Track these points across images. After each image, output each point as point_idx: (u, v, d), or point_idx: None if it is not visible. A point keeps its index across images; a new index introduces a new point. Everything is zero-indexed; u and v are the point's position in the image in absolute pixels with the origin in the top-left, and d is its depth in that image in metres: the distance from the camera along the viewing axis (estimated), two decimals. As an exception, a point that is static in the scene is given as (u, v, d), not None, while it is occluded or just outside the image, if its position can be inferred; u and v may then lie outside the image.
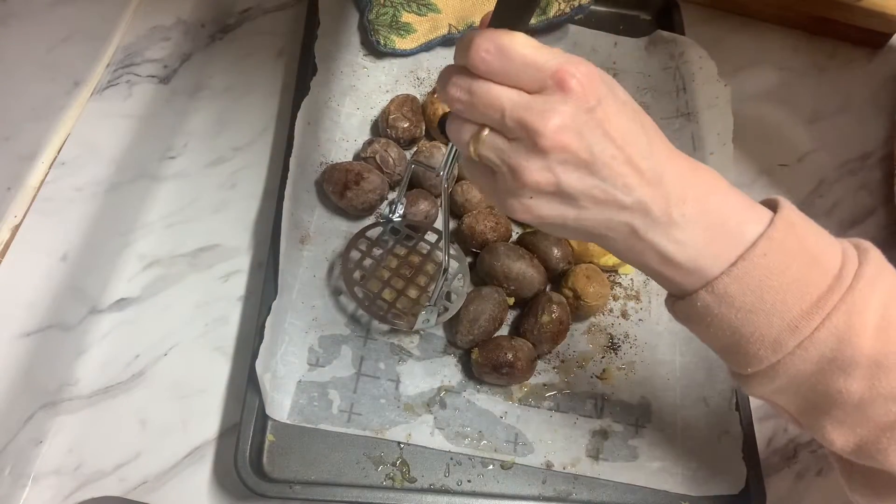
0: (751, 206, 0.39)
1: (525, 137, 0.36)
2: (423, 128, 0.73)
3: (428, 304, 0.59)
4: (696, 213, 0.38)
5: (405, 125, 0.70)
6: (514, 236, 0.69)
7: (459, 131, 0.39)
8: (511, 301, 0.64)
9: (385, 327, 0.63)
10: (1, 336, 0.56)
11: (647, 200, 0.37)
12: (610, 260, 0.67)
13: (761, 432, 0.63)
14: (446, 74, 0.38)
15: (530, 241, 0.66)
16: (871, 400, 0.39)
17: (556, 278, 0.66)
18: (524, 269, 0.63)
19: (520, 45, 0.36)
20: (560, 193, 0.37)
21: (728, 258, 0.38)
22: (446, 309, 0.61)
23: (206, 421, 0.59)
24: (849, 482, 0.46)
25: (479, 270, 0.65)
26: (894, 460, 0.40)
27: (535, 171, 0.36)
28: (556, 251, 0.65)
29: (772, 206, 0.40)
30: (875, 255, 0.39)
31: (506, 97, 0.36)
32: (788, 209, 0.39)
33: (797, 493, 0.62)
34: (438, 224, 0.68)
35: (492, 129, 0.37)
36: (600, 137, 0.36)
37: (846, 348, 0.37)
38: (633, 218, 0.38)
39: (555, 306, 0.62)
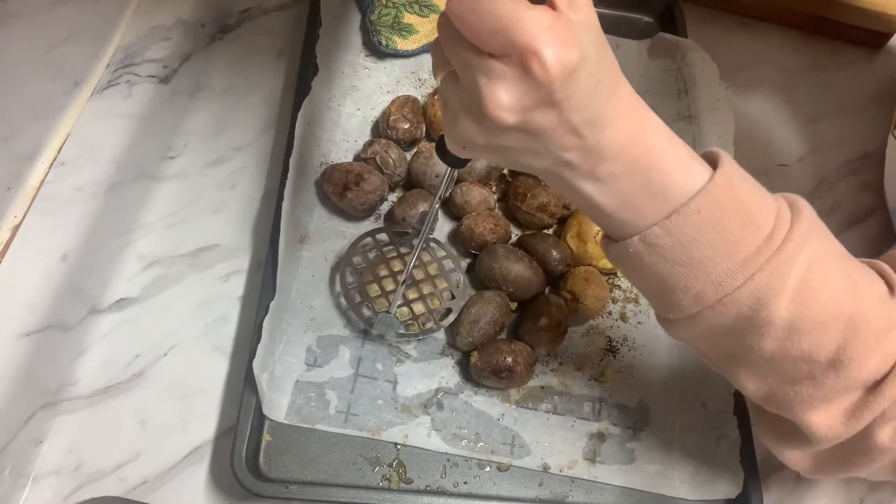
0: (691, 160, 0.38)
1: (468, 92, 0.34)
2: (424, 129, 0.72)
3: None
4: (623, 170, 0.37)
5: (406, 126, 0.70)
6: (514, 237, 0.68)
7: (435, 57, 0.38)
8: (514, 306, 0.64)
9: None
10: (1, 336, 0.55)
11: (578, 160, 0.36)
12: (609, 262, 0.66)
13: None
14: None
15: (529, 242, 0.66)
16: (782, 359, 0.40)
17: (555, 280, 0.66)
18: (522, 272, 0.63)
19: (501, 5, 0.31)
20: (490, 147, 0.37)
21: (662, 211, 0.37)
22: (446, 315, 0.60)
23: (206, 421, 0.59)
24: (758, 425, 0.48)
25: (477, 272, 0.65)
26: (798, 412, 0.42)
27: (469, 126, 0.35)
28: (554, 253, 0.64)
29: (712, 160, 0.39)
30: (807, 216, 0.39)
31: (462, 55, 0.33)
32: (729, 165, 0.39)
33: (797, 493, 0.62)
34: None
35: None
36: (549, 115, 0.34)
37: (763, 309, 0.38)
38: (561, 169, 0.37)
39: (553, 309, 0.62)
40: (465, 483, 0.58)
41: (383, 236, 0.65)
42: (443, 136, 0.43)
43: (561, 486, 0.58)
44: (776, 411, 0.44)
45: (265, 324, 0.57)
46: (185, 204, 0.68)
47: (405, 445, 0.58)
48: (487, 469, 0.58)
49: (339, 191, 0.65)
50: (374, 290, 0.62)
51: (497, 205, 0.70)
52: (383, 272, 0.63)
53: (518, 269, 0.63)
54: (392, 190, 0.70)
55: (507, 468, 0.58)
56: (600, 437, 0.60)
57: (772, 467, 0.62)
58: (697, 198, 0.37)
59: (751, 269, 0.37)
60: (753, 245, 0.37)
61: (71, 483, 0.55)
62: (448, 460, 0.58)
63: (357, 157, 0.70)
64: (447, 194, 0.50)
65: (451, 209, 0.69)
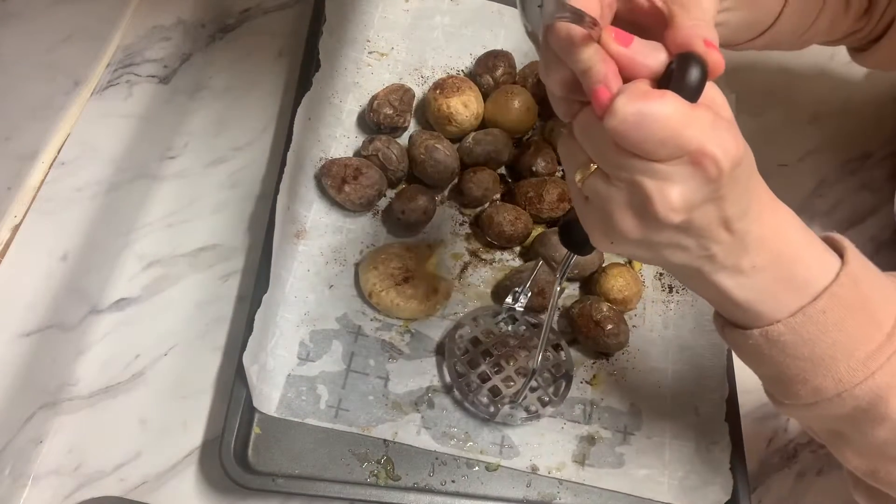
0: (821, 255, 0.37)
1: (630, 192, 0.32)
2: (408, 118, 0.70)
3: (512, 401, 0.56)
4: (767, 262, 0.36)
5: (388, 111, 0.67)
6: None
7: (569, 155, 0.35)
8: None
9: (377, 324, 0.61)
10: (1, 336, 0.55)
11: (722, 253, 0.35)
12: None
13: (762, 432, 0.61)
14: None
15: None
16: (893, 443, 0.39)
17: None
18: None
19: (667, 116, 0.30)
20: (644, 243, 0.35)
21: (789, 307, 0.36)
22: (536, 412, 0.58)
23: (207, 421, 0.58)
24: (854, 487, 0.46)
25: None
26: None
27: (627, 224, 0.33)
28: None
29: (838, 248, 0.38)
30: None
31: (621, 162, 0.32)
32: (855, 261, 0.37)
33: (797, 493, 0.61)
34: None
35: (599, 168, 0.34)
36: (709, 209, 0.33)
37: (881, 404, 0.37)
38: (702, 263, 0.36)
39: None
40: (453, 482, 0.56)
41: (490, 316, 0.63)
42: (567, 223, 0.41)
43: (549, 488, 0.57)
44: (877, 485, 0.42)
45: (257, 317, 0.56)
46: (185, 204, 0.66)
47: (394, 442, 0.57)
48: (476, 468, 0.57)
49: (337, 184, 0.64)
50: (481, 371, 0.59)
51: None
52: (490, 357, 0.60)
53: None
54: (393, 186, 0.68)
55: (496, 468, 0.57)
56: (590, 440, 0.58)
57: (772, 467, 0.61)
58: (823, 298, 0.36)
59: (871, 367, 0.36)
60: (875, 342, 0.36)
61: (71, 483, 0.54)
62: (436, 458, 0.57)
63: (357, 154, 0.68)
64: (564, 279, 0.50)
65: (466, 201, 0.67)
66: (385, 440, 0.57)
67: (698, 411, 0.60)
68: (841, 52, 0.85)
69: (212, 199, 0.67)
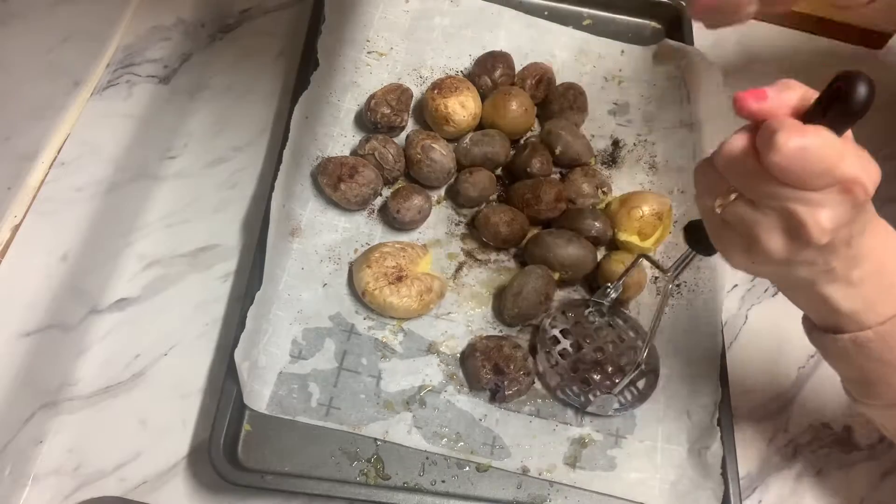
0: None
1: (780, 218, 0.34)
2: (406, 118, 0.67)
3: (609, 392, 0.55)
4: (871, 273, 0.37)
5: (386, 111, 0.65)
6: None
7: (708, 184, 0.37)
8: (557, 276, 0.61)
9: (370, 323, 0.59)
10: (1, 336, 0.53)
11: (840, 267, 0.36)
12: (624, 237, 0.64)
13: (762, 432, 0.59)
14: (731, 143, 0.34)
15: (571, 223, 0.63)
16: None
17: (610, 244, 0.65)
18: (577, 253, 0.60)
19: (825, 149, 0.31)
20: (784, 261, 0.36)
21: (881, 315, 0.38)
22: (629, 402, 0.57)
23: (207, 421, 0.56)
24: None
25: (529, 263, 0.62)
26: None
27: (775, 246, 0.35)
28: (598, 224, 0.63)
29: None
30: None
31: (772, 192, 0.33)
32: None
33: (797, 493, 0.59)
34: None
35: (742, 195, 0.35)
36: (845, 229, 0.34)
37: None
38: (819, 276, 0.37)
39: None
40: (443, 482, 0.54)
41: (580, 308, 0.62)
42: (696, 225, 0.43)
43: (539, 490, 0.55)
44: None
45: (249, 313, 0.54)
46: (185, 204, 0.64)
47: (385, 441, 0.55)
48: (466, 469, 0.55)
49: (333, 183, 0.62)
50: (576, 361, 0.59)
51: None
52: (580, 349, 0.59)
53: (573, 250, 0.60)
54: (389, 184, 0.66)
55: (486, 469, 0.55)
56: (582, 442, 0.56)
57: (772, 467, 0.59)
58: None
59: None
60: None
61: (71, 483, 0.52)
62: (427, 458, 0.55)
63: (354, 153, 0.66)
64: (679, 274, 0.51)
65: (461, 202, 0.65)
66: (376, 439, 0.55)
67: (690, 416, 0.57)
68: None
69: (212, 199, 0.65)
